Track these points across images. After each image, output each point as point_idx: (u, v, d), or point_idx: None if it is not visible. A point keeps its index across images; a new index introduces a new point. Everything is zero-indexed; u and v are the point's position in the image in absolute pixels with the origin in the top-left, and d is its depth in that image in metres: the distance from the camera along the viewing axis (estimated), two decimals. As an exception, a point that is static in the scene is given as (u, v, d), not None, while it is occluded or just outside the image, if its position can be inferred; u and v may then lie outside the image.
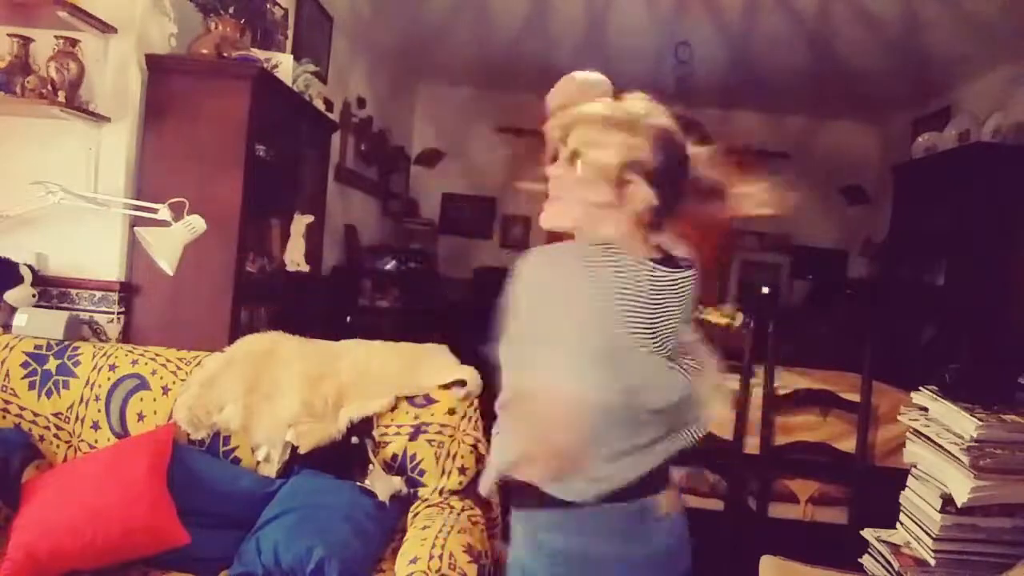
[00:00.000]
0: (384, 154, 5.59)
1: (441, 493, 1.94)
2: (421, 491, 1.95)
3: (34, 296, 2.43)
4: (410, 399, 2.06)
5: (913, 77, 4.73)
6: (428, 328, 4.67)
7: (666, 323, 1.12)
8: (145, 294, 2.56)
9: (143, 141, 2.55)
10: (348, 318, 4.55)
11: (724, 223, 1.21)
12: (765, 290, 6.08)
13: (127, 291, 2.55)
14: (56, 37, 2.36)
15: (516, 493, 1.16)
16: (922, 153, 4.47)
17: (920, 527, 1.53)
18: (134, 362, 2.11)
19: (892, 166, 4.92)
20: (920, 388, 1.65)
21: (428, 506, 1.89)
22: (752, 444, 2.91)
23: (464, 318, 3.49)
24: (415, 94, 6.48)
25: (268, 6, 3.08)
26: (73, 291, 2.53)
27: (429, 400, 2.05)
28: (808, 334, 4.65)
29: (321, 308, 3.71)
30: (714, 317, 3.38)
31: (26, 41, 2.36)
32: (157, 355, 2.14)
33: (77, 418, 2.05)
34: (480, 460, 1.96)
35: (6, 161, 2.51)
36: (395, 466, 1.97)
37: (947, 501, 1.47)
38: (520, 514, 1.17)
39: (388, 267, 5.19)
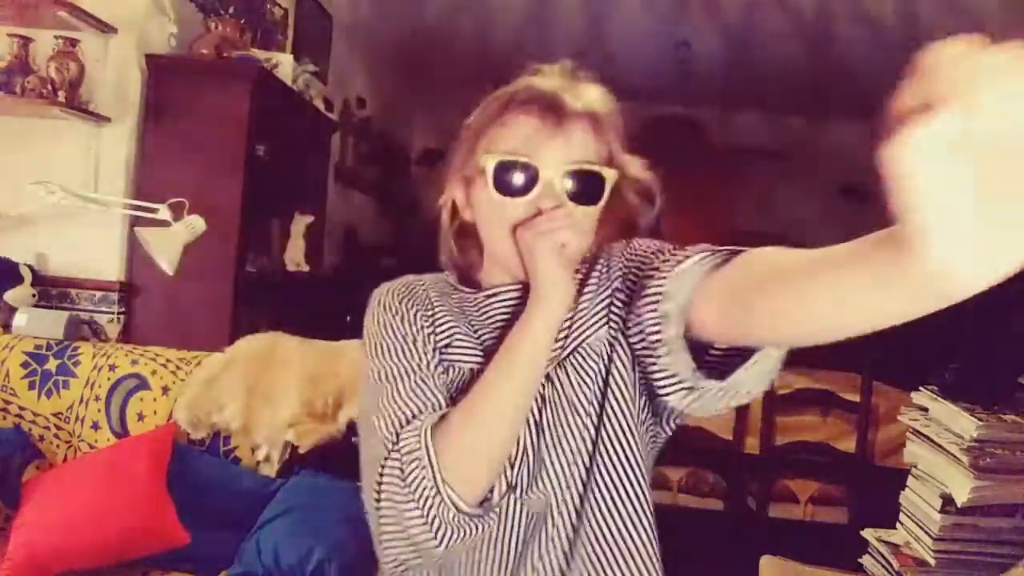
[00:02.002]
0: (384, 154, 5.59)
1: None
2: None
3: (34, 296, 2.43)
4: (410, 399, 2.05)
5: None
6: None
7: None
8: (145, 294, 2.56)
9: (143, 141, 2.55)
10: (348, 318, 4.54)
11: None
12: (765, 290, 6.08)
13: (127, 291, 2.55)
14: (56, 37, 2.36)
15: None
16: (922, 153, 4.47)
17: (920, 527, 1.53)
18: (134, 362, 2.11)
19: (892, 166, 4.92)
20: (920, 388, 1.65)
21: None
22: (752, 444, 2.91)
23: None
24: (415, 94, 6.47)
25: (268, 6, 3.09)
26: (73, 291, 2.53)
27: (429, 400, 2.04)
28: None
29: (321, 308, 3.70)
30: (714, 317, 3.38)
31: (26, 41, 2.36)
32: (157, 355, 2.14)
33: (77, 418, 2.05)
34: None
35: (6, 161, 2.51)
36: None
37: (947, 501, 1.47)
38: None
39: (388, 267, 5.19)
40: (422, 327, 0.82)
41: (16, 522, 1.74)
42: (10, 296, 2.37)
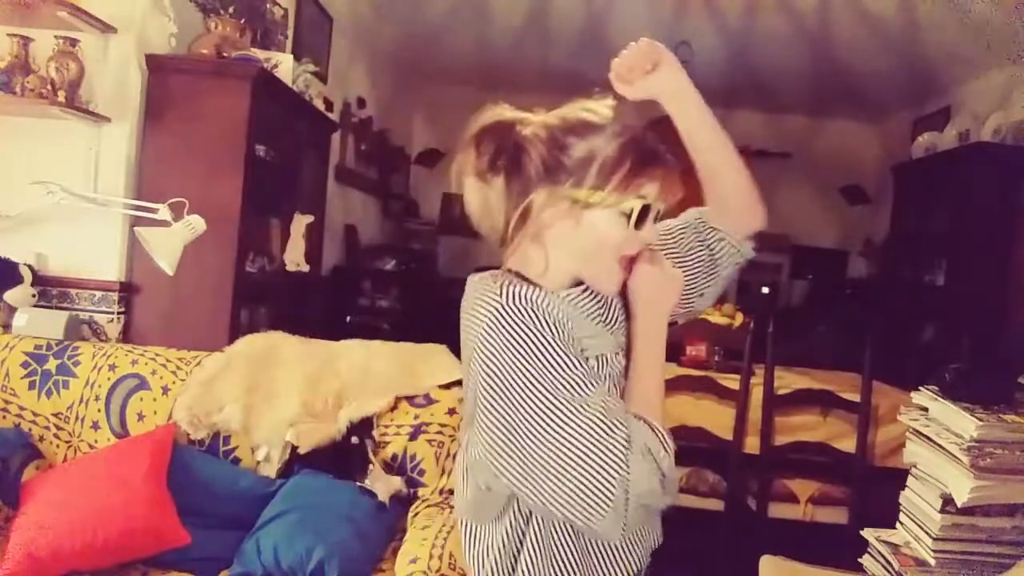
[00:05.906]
0: (384, 154, 5.59)
1: (441, 493, 1.94)
2: (421, 491, 1.95)
3: (34, 296, 2.43)
4: (410, 399, 2.06)
5: (913, 77, 4.72)
6: (428, 328, 4.67)
7: None
8: (145, 294, 2.56)
9: (143, 141, 2.55)
10: (348, 318, 4.55)
11: None
12: (765, 290, 6.08)
13: (127, 291, 2.55)
14: (56, 37, 2.36)
15: None
16: (922, 153, 4.47)
17: (920, 527, 1.53)
18: (134, 362, 2.11)
19: (892, 166, 4.92)
20: (920, 388, 1.65)
21: (428, 506, 1.89)
22: (752, 444, 2.90)
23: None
24: (415, 94, 6.47)
25: (268, 6, 3.09)
26: (73, 291, 2.53)
27: (429, 400, 2.05)
28: (808, 334, 4.64)
29: (321, 308, 3.71)
30: (714, 317, 3.38)
31: (26, 41, 2.36)
32: (157, 355, 2.14)
33: (77, 418, 2.05)
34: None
35: (6, 161, 2.51)
36: (395, 466, 1.97)
37: (947, 501, 1.46)
38: None
39: (388, 267, 5.19)
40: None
41: (16, 522, 1.74)
42: (10, 296, 2.37)
